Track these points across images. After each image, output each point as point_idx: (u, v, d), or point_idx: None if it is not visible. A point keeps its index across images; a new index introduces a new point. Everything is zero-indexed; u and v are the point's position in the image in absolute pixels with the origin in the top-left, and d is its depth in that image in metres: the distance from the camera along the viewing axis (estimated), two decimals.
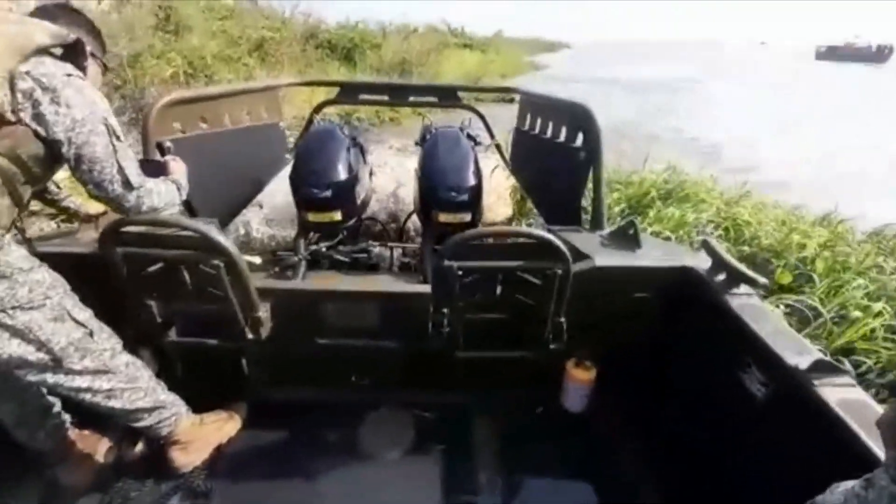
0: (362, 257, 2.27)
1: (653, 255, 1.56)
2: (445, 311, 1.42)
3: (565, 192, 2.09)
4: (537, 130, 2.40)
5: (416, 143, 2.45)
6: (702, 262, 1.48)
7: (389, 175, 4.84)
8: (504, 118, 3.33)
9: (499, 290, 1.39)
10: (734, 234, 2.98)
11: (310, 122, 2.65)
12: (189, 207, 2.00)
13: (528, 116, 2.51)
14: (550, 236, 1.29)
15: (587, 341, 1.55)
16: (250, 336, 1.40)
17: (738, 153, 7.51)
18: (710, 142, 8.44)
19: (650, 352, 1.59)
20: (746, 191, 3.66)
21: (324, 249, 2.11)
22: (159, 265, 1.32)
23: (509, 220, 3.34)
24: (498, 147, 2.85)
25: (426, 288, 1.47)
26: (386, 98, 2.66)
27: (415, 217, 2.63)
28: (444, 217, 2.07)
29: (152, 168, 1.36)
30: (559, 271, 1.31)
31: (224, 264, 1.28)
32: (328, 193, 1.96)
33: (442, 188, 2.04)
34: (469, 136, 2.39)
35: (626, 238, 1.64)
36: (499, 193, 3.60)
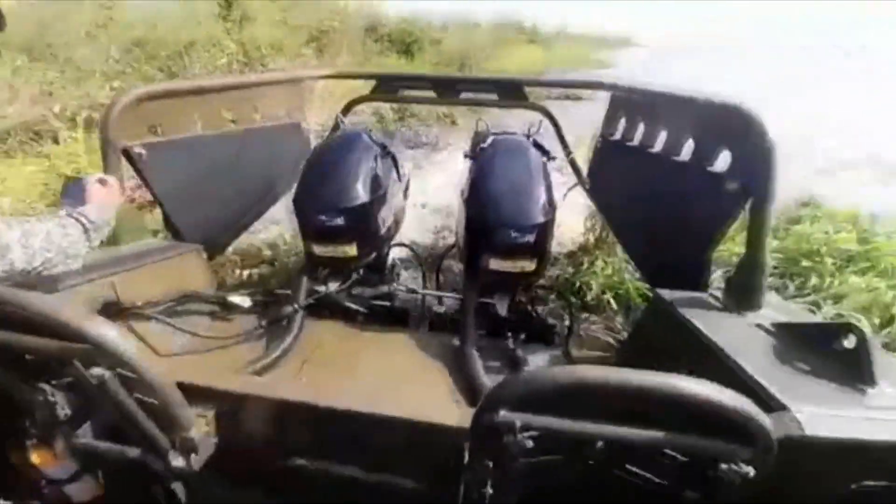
0: (382, 305, 1.72)
1: (892, 397, 0.81)
2: (489, 467, 0.78)
3: (688, 241, 1.39)
4: (637, 141, 1.71)
5: (466, 156, 1.84)
6: None
7: (440, 179, 4.27)
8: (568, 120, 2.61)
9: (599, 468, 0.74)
10: None
11: (337, 125, 2.13)
12: (174, 231, 1.58)
13: (623, 120, 1.83)
14: (743, 405, 0.61)
15: None
16: (177, 463, 0.86)
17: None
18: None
19: None
20: None
21: (334, 293, 1.59)
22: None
23: (579, 252, 2.61)
24: (573, 163, 2.18)
25: (461, 420, 0.85)
26: (432, 94, 2.11)
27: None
28: (495, 263, 1.47)
29: (76, 193, 1.01)
30: (745, 470, 0.62)
31: (110, 371, 0.72)
32: (339, 221, 1.46)
33: (496, 223, 1.44)
34: (538, 147, 1.76)
35: (836, 357, 0.89)
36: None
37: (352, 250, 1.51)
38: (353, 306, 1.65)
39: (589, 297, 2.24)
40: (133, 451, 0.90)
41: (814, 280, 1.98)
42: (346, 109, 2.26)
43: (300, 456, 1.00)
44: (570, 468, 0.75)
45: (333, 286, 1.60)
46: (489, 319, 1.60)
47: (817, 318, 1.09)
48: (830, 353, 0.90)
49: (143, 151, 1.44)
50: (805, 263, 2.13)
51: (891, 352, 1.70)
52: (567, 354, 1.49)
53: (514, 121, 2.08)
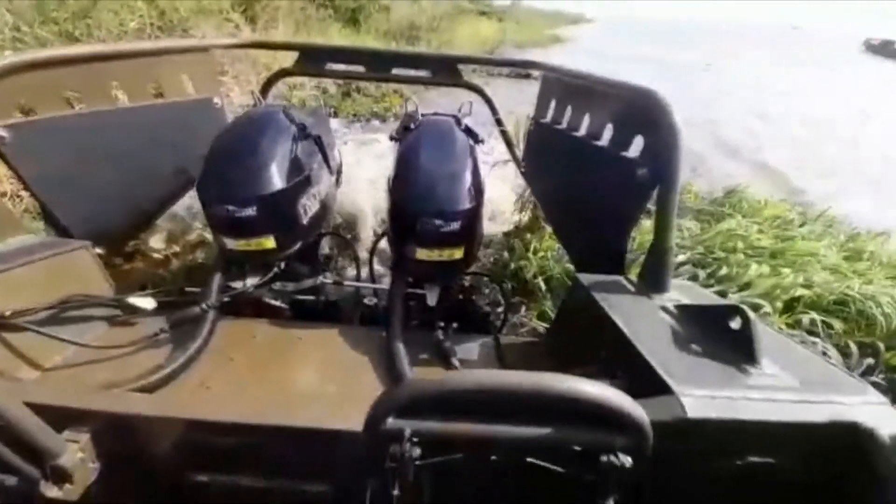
0: (308, 300, 1.58)
1: (772, 377, 0.85)
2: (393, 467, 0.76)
3: (604, 225, 1.41)
4: (565, 125, 1.69)
5: (392, 138, 1.70)
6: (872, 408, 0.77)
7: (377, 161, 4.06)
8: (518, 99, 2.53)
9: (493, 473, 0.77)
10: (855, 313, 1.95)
11: (261, 98, 1.94)
12: (56, 226, 1.37)
13: (553, 104, 1.80)
14: (616, 397, 0.63)
15: None
16: (51, 494, 0.77)
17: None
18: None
19: None
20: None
21: (249, 290, 1.44)
22: None
23: (512, 233, 2.55)
24: (504, 134, 2.10)
25: (359, 424, 0.80)
26: (361, 69, 1.97)
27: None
28: (422, 253, 1.39)
29: None
30: (622, 460, 0.64)
31: None
32: (251, 212, 1.29)
33: (420, 212, 1.36)
34: (468, 131, 1.66)
35: (728, 337, 0.93)
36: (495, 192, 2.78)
37: (269, 242, 1.35)
38: (275, 302, 1.51)
39: (522, 282, 2.20)
40: (10, 480, 0.79)
41: (724, 270, 2.05)
42: (266, 86, 2.07)
43: (201, 471, 0.91)
44: (474, 464, 0.75)
45: (252, 282, 1.44)
46: (421, 310, 1.54)
47: (715, 300, 1.12)
48: (720, 334, 0.94)
49: (5, 134, 1.23)
50: (719, 254, 2.20)
51: (794, 333, 1.79)
52: (498, 342, 1.44)
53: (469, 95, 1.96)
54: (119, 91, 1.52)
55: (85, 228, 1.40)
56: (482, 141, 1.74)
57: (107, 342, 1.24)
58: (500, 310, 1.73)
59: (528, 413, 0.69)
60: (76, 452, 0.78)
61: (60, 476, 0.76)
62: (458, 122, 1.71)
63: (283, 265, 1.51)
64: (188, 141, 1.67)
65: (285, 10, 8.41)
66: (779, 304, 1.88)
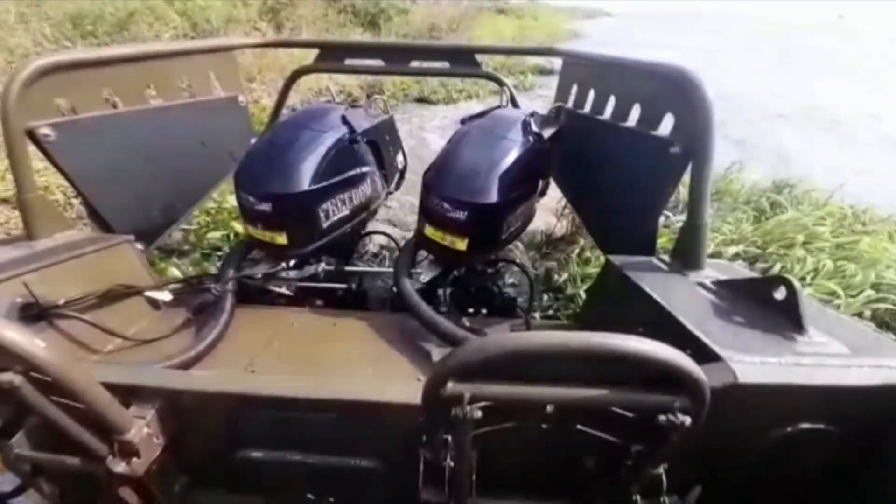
0: (339, 288, 1.60)
1: (820, 344, 0.83)
2: (447, 440, 0.77)
3: (635, 206, 1.37)
4: (588, 109, 1.67)
5: (462, 121, 1.70)
6: None
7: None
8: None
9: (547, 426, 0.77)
10: None
11: (282, 96, 2.04)
12: (100, 221, 1.41)
13: (575, 89, 1.78)
14: (675, 356, 0.62)
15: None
16: (118, 469, 0.79)
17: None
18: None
19: None
20: None
21: (259, 277, 1.47)
22: None
23: (555, 239, 2.50)
24: None
25: (414, 396, 0.79)
26: (381, 63, 1.99)
27: None
28: (429, 230, 1.40)
29: None
30: (681, 419, 0.64)
31: (21, 375, 0.66)
32: (266, 207, 1.32)
33: (434, 191, 1.36)
34: (534, 132, 1.55)
35: (773, 308, 0.91)
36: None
37: (281, 238, 1.37)
38: (282, 290, 1.52)
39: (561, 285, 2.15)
40: (73, 461, 0.82)
41: (778, 266, 1.94)
42: (287, 85, 2.08)
43: (255, 447, 0.93)
44: (525, 432, 0.75)
45: (261, 271, 1.47)
46: (455, 295, 1.54)
47: (754, 274, 1.12)
48: (764, 304, 0.93)
49: (50, 133, 1.24)
50: (772, 250, 2.09)
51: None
52: (528, 325, 1.42)
53: None
54: (152, 90, 1.56)
55: (125, 223, 1.45)
56: (547, 144, 1.69)
57: (149, 328, 1.30)
58: (523, 298, 1.70)
59: (584, 377, 0.68)
60: (143, 428, 0.80)
61: (128, 451, 0.79)
62: (532, 118, 1.62)
63: (290, 263, 1.51)
64: (215, 138, 1.74)
65: (308, 18, 8.60)
66: (844, 301, 1.77)
